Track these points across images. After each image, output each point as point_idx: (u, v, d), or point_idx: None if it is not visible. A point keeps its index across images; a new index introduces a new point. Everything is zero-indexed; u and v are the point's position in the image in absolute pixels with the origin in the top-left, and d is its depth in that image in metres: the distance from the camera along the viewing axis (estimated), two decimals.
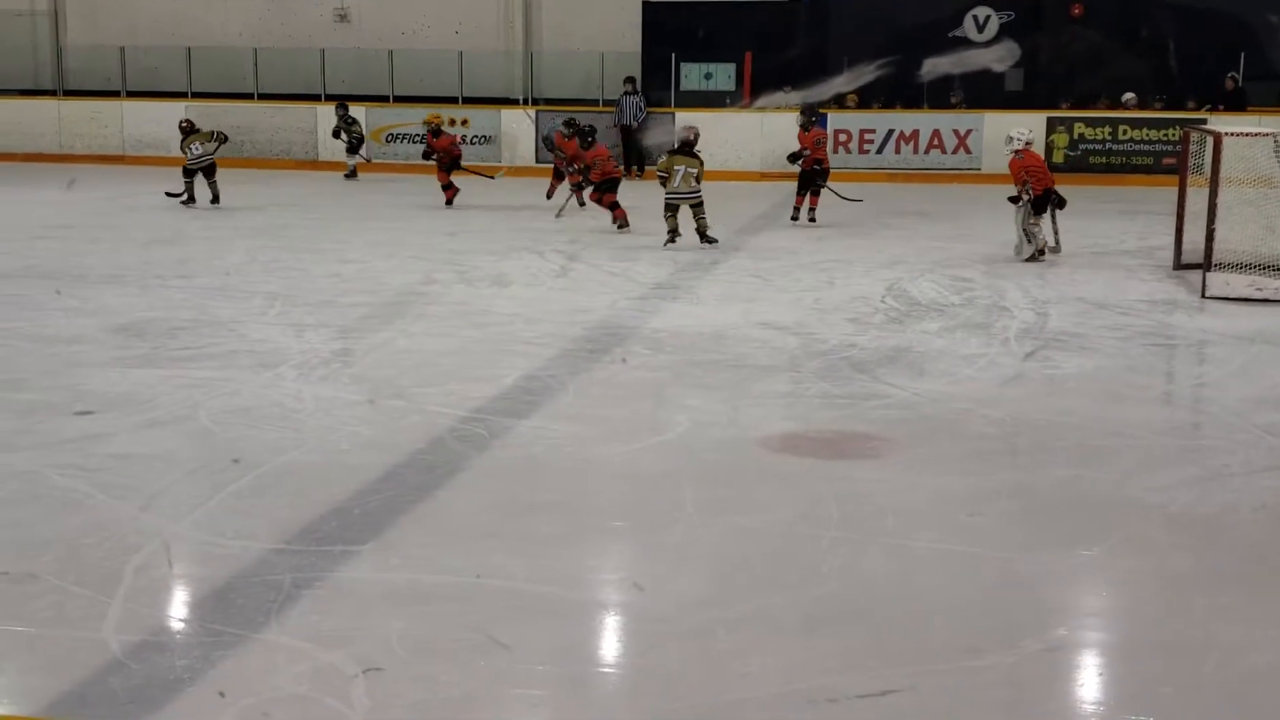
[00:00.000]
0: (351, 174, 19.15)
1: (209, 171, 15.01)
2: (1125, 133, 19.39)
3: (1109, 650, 3.98)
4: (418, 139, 19.92)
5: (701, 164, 12.65)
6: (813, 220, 14.16)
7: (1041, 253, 11.38)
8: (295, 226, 13.84)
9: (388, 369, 7.28)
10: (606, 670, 3.81)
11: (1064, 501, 5.22)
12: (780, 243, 12.95)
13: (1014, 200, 11.55)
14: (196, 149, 15.03)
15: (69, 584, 4.18)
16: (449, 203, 15.59)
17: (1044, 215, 11.47)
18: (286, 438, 5.89)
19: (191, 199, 14.98)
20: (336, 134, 19.60)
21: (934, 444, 5.96)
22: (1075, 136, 19.37)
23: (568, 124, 15.35)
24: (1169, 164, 16.81)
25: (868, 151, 19.98)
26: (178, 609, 4.12)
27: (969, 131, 19.64)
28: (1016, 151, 11.58)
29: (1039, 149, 19.22)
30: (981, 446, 5.98)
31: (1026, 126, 12.19)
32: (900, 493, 5.26)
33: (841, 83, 16.99)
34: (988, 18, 20.36)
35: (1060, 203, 11.55)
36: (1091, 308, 9.32)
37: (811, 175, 14.21)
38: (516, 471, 5.54)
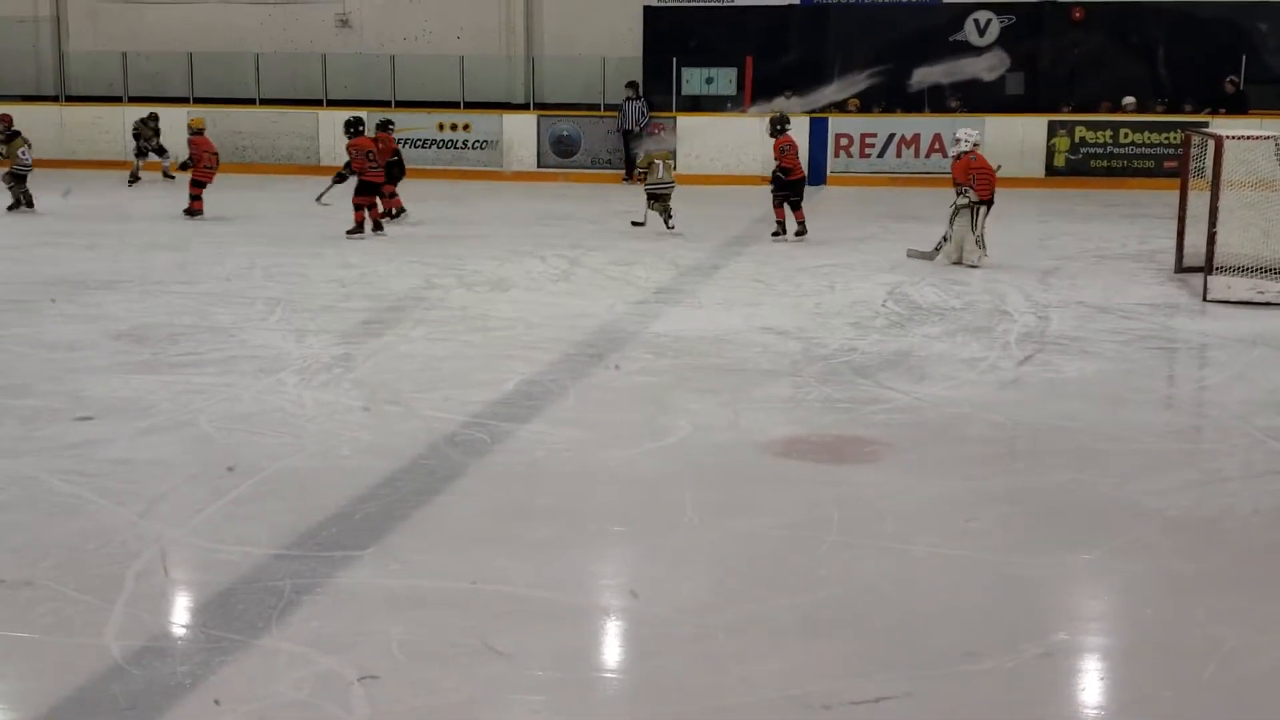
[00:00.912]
0: (135, 178, 18.58)
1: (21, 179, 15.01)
2: (1126, 136, 19.39)
3: (1109, 654, 3.98)
4: (421, 142, 19.90)
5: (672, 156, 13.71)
6: (800, 234, 13.21)
7: (969, 262, 11.25)
8: (296, 232, 13.84)
9: (388, 374, 7.28)
10: (607, 675, 3.81)
11: (1064, 505, 5.22)
12: (781, 247, 12.95)
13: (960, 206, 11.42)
14: (26, 155, 15.10)
15: (69, 590, 4.18)
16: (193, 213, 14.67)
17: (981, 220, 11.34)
18: (287, 443, 5.89)
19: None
20: (145, 153, 19.00)
21: (934, 448, 5.96)
22: (1076, 140, 19.38)
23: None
24: (1170, 167, 16.81)
25: (869, 155, 20.00)
26: (178, 615, 4.12)
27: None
28: (965, 153, 11.53)
29: (1039, 153, 19.33)
30: (982, 450, 5.98)
31: (974, 128, 12.05)
32: (900, 497, 5.27)
33: (834, 91, 16.94)
34: (989, 21, 20.38)
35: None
36: (1092, 311, 9.32)
37: (782, 186, 13.32)
38: (517, 477, 5.54)
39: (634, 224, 13.81)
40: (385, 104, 21.39)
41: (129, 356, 7.64)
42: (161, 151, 19.10)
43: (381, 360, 7.65)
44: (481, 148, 20.96)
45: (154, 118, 19.21)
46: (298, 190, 18.17)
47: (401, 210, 14.59)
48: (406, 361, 7.64)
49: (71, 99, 22.75)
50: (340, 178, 14.05)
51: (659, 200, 13.58)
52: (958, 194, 11.48)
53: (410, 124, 21.10)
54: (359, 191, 13.35)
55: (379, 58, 21.67)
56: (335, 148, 20.02)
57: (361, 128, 13.91)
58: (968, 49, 19.66)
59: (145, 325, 8.53)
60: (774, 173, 13.49)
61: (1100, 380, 7.33)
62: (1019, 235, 13.44)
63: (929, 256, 11.59)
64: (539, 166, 20.60)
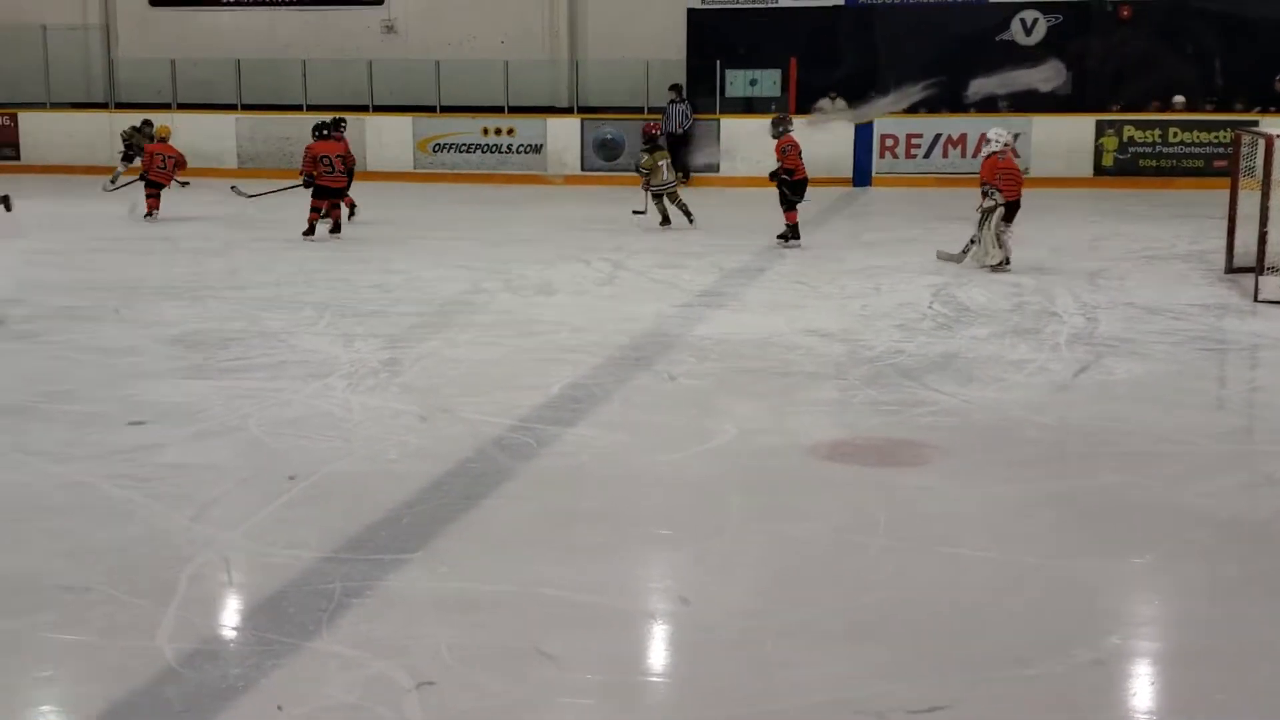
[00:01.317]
0: (114, 183, 18.32)
1: None
2: (1175, 135, 19.22)
3: (1161, 659, 3.94)
4: (466, 147, 20.00)
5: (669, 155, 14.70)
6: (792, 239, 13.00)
7: (1007, 263, 11.01)
8: (345, 237, 13.93)
9: (435, 379, 7.32)
10: (654, 679, 3.81)
11: (1115, 508, 5.18)
12: (826, 249, 12.92)
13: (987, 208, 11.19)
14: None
15: (123, 594, 4.23)
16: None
17: (1012, 222, 11.09)
18: (336, 447, 5.94)
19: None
20: (131, 157, 18.76)
21: (983, 451, 5.93)
22: (1125, 139, 19.22)
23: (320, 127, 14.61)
24: (1220, 167, 16.62)
25: (914, 156, 19.92)
26: (230, 618, 4.16)
27: (1017, 135, 19.42)
28: (995, 153, 11.28)
29: (1087, 153, 19.17)
30: (1031, 453, 5.93)
31: (1005, 127, 11.82)
32: (949, 500, 5.24)
33: (889, 103, 16.79)
34: (1035, 21, 20.24)
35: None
36: (1142, 312, 9.24)
37: (787, 188, 13.09)
38: (563, 480, 5.56)
39: (635, 212, 14.33)
40: (430, 109, 21.53)
41: (180, 362, 7.73)
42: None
43: (428, 365, 7.69)
44: (525, 152, 21.02)
45: (148, 124, 19.30)
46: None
47: (353, 208, 14.83)
48: (453, 366, 7.68)
49: (121, 106, 23.02)
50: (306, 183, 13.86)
51: (668, 199, 14.35)
52: (983, 195, 11.29)
53: (455, 129, 21.23)
54: (314, 194, 13.53)
55: (424, 63, 21.78)
56: (381, 153, 20.22)
57: (326, 131, 13.95)
58: (1012, 60, 19.52)
59: (196, 331, 8.62)
60: (778, 175, 13.14)
61: (1151, 382, 7.26)
62: (1067, 236, 13.35)
63: (957, 259, 11.42)
64: (583, 170, 20.64)
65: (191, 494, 5.25)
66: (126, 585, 4.29)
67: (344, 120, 15.32)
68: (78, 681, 3.70)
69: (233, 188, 15.12)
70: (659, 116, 20.53)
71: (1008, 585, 4.40)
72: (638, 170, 14.62)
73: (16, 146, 22.31)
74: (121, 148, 18.83)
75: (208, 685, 3.61)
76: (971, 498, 5.27)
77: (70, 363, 7.71)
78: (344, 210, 14.14)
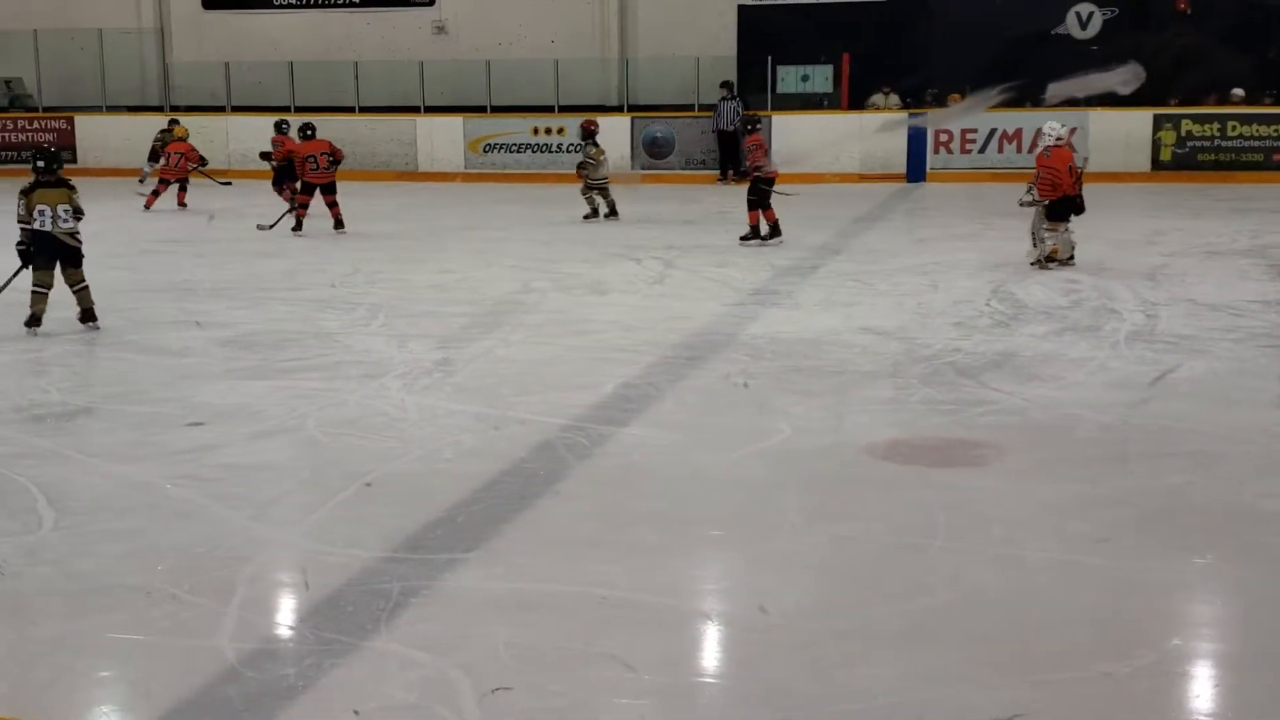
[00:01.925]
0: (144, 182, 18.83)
1: None
2: (1234, 129, 18.96)
3: (1224, 661, 3.88)
4: (516, 146, 20.04)
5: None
6: (766, 237, 12.86)
7: (1051, 260, 10.81)
8: (396, 237, 14.03)
9: (488, 379, 7.34)
10: (713, 680, 3.79)
11: (1177, 508, 5.11)
12: (881, 245, 12.85)
13: (1025, 202, 11.02)
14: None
15: (184, 593, 4.27)
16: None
17: (1063, 223, 10.86)
18: (392, 447, 5.96)
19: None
20: (158, 157, 19.17)
21: (1042, 450, 5.86)
22: (1183, 133, 19.00)
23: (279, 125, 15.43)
24: None
25: (969, 151, 19.78)
26: (289, 617, 4.18)
27: (1073, 130, 19.28)
28: (1050, 147, 11.03)
29: (1145, 147, 18.94)
30: (1092, 453, 5.86)
31: (1060, 121, 11.62)
32: (1008, 500, 5.19)
33: (963, 107, 16.63)
34: (1091, 14, 20.04)
35: (1076, 210, 10.92)
36: (1203, 309, 9.12)
37: (757, 186, 12.90)
38: (617, 480, 5.55)
39: (585, 218, 15.06)
40: (481, 109, 21.62)
41: (238, 363, 7.79)
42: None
43: (481, 365, 7.71)
44: (575, 151, 21.06)
45: (175, 123, 19.68)
46: (397, 196, 18.43)
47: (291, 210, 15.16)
48: (506, 365, 7.70)
49: (176, 109, 23.28)
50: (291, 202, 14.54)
51: (601, 193, 15.06)
52: (1028, 189, 11.05)
53: (505, 129, 21.30)
54: (303, 191, 14.24)
55: (474, 63, 21.88)
56: (433, 153, 20.34)
57: (311, 132, 14.46)
58: (1074, 46, 19.33)
59: (253, 332, 8.69)
60: (750, 173, 13.13)
61: (1212, 380, 7.16)
62: (1126, 231, 13.21)
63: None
64: (633, 168, 20.65)
65: (250, 494, 5.29)
66: (188, 585, 4.33)
67: (285, 122, 16.71)
68: (142, 680, 3.73)
69: (213, 215, 15.36)
70: (709, 114, 20.52)
71: (1068, 586, 4.34)
72: (579, 169, 15.27)
73: (74, 149, 22.62)
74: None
75: (268, 684, 3.64)
76: (1031, 498, 5.22)
77: (130, 365, 7.79)
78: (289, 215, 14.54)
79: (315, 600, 4.24)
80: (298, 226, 14.04)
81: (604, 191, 15.11)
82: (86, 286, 8.65)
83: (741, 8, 21.42)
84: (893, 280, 10.56)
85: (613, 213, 15.06)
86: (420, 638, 3.93)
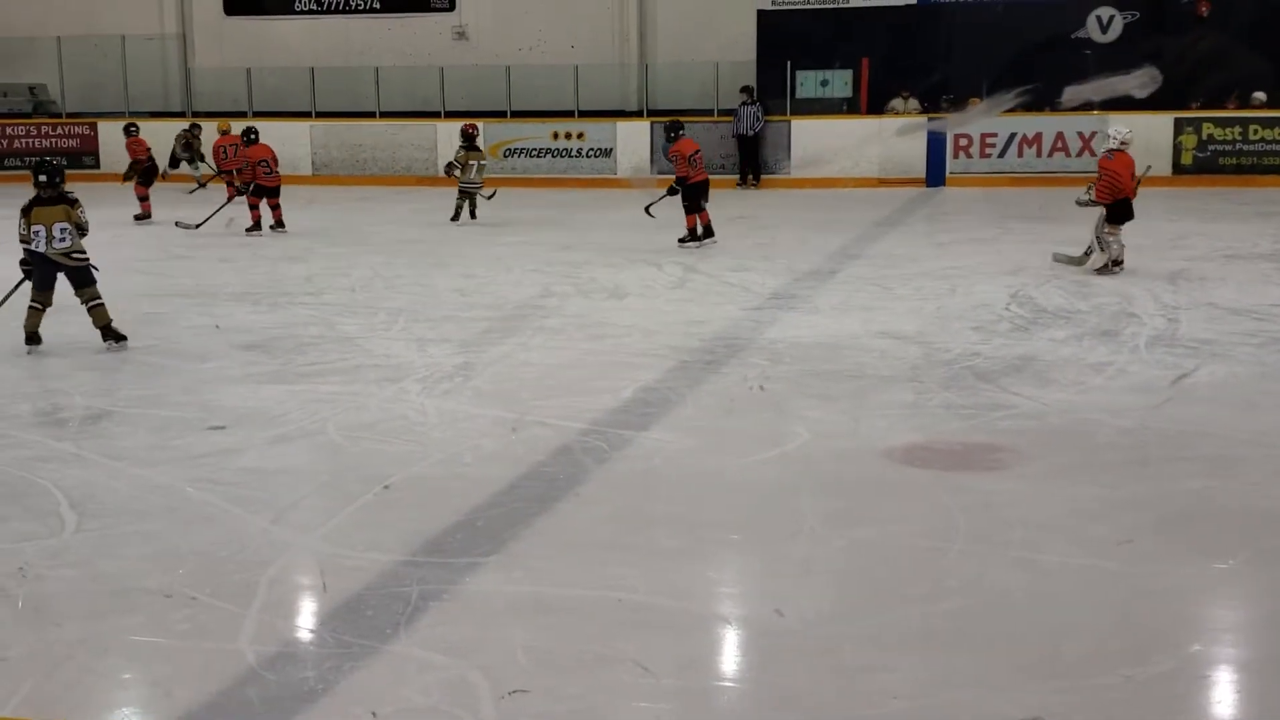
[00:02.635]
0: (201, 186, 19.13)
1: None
2: (1256, 132, 18.88)
3: (1245, 665, 3.87)
4: (536, 151, 20.09)
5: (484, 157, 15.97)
6: (698, 238, 13.23)
7: (1118, 264, 10.72)
8: (417, 242, 14.08)
9: (508, 383, 7.36)
10: (731, 685, 3.79)
11: (1197, 513, 5.09)
12: (900, 250, 12.84)
13: (1083, 202, 10.93)
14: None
15: (205, 596, 4.29)
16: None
17: (1120, 226, 10.78)
18: (412, 451, 5.98)
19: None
20: (177, 162, 19.90)
21: (1062, 455, 5.85)
22: (1204, 137, 18.91)
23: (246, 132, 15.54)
24: None
25: (989, 155, 19.73)
26: (309, 620, 4.20)
27: (1093, 134, 19.27)
28: (1112, 150, 10.96)
29: (1166, 151, 18.85)
30: (1111, 457, 5.84)
31: (1127, 125, 11.51)
32: (1028, 505, 5.17)
33: (981, 110, 16.60)
34: (1111, 18, 19.97)
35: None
36: (1224, 313, 9.08)
37: (688, 192, 13.31)
38: (636, 484, 5.56)
39: (451, 219, 15.58)
40: (501, 114, 21.67)
41: (258, 367, 7.83)
42: (198, 160, 19.92)
43: (501, 369, 7.73)
44: (595, 156, 21.09)
45: (197, 127, 19.93)
46: (418, 201, 18.49)
47: (146, 216, 15.80)
48: (526, 370, 7.71)
49: (198, 114, 23.39)
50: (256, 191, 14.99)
51: (467, 197, 15.55)
52: (1085, 190, 11.00)
53: (525, 133, 21.34)
54: (254, 193, 14.71)
55: (494, 68, 21.94)
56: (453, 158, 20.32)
57: (254, 136, 15.11)
58: (1095, 50, 19.26)
59: (274, 336, 8.73)
60: (674, 183, 13.54)
61: (1233, 384, 7.13)
62: (1147, 235, 13.12)
63: (1078, 262, 10.99)
64: (653, 173, 20.69)
65: (271, 498, 5.32)
66: (209, 588, 4.35)
67: (134, 125, 17.52)
68: (163, 683, 3.75)
69: (176, 223, 15.12)
70: (729, 118, 20.53)
71: (1088, 591, 4.34)
72: (449, 169, 15.85)
73: (96, 155, 22.77)
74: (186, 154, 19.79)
75: (288, 687, 3.66)
76: (1051, 502, 5.20)
77: (152, 368, 7.84)
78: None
79: (335, 603, 4.26)
80: (255, 227, 14.60)
81: (471, 197, 15.59)
82: (100, 304, 8.16)
83: (761, 12, 21.42)
84: (912, 284, 10.54)
85: (471, 215, 15.62)
86: (439, 641, 3.94)
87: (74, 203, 8.10)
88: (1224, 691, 3.74)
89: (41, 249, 7.95)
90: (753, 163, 20.45)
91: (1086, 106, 18.37)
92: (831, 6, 21.35)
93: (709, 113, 21.09)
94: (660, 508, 5.23)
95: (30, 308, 8.12)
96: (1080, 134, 19.27)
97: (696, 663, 3.86)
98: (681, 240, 13.20)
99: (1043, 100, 17.00)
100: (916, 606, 4.19)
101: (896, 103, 20.61)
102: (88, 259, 8.11)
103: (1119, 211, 10.80)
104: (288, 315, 9.59)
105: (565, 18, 22.73)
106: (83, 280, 8.11)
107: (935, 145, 19.51)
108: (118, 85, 23.34)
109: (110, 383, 7.56)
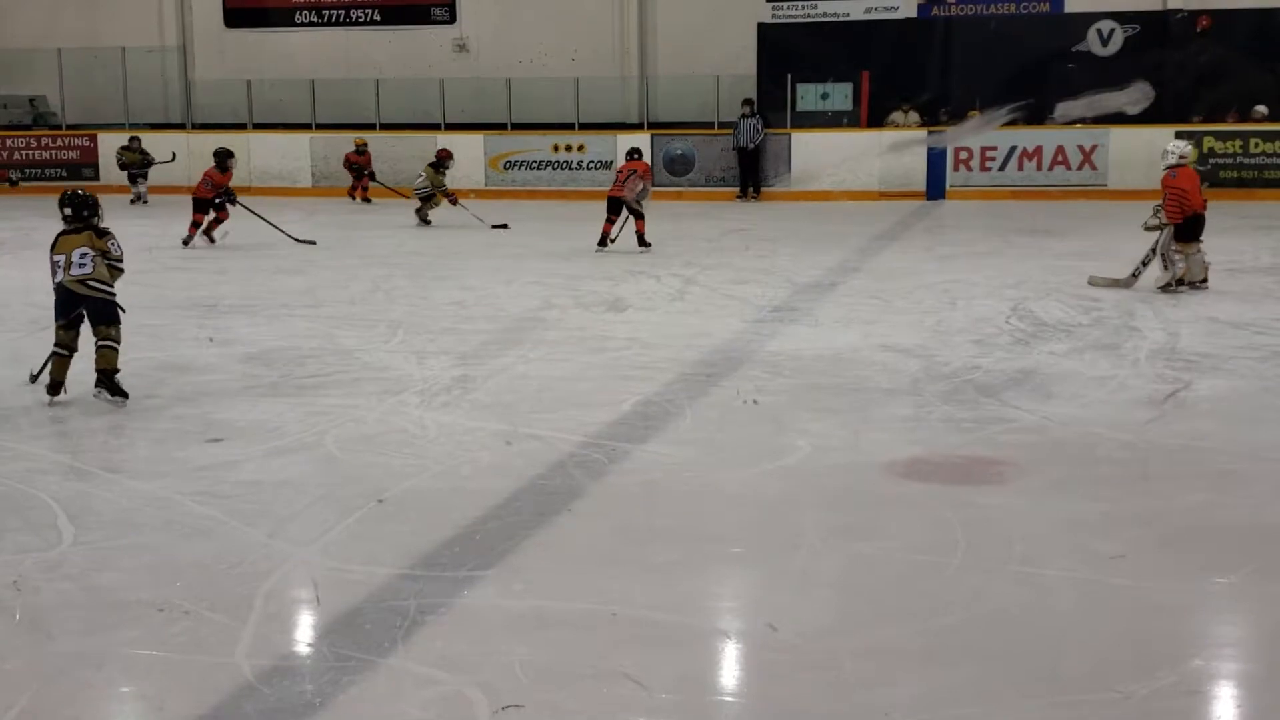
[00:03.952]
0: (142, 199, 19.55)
1: None
2: (1257, 146, 18.89)
3: (1247, 681, 3.85)
4: (536, 164, 20.14)
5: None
6: (641, 246, 13.94)
7: (1181, 282, 10.51)
8: (417, 254, 14.07)
9: (507, 395, 7.34)
10: (730, 699, 3.77)
11: (1198, 527, 5.08)
12: (900, 263, 12.83)
13: (1150, 226, 10.72)
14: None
15: (202, 609, 4.27)
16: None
17: (1193, 243, 10.54)
18: (410, 464, 5.97)
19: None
20: (125, 166, 19.97)
21: (1063, 469, 5.83)
22: (1205, 150, 18.90)
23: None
24: None
25: (989, 169, 19.74)
26: (307, 634, 4.18)
27: (1094, 147, 19.30)
28: (1170, 167, 10.69)
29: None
30: (1112, 472, 5.83)
31: (1184, 140, 11.19)
32: (1029, 519, 5.16)
33: (975, 125, 16.62)
34: (1112, 31, 20.00)
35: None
36: (1225, 327, 9.07)
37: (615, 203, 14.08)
38: (636, 497, 5.54)
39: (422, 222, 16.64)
40: (501, 126, 21.69)
41: (257, 380, 7.81)
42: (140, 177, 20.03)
43: (500, 381, 7.71)
44: (596, 168, 21.10)
45: (136, 139, 20.28)
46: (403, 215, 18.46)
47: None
48: (525, 382, 7.69)
49: (198, 126, 23.42)
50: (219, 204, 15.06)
51: (425, 202, 16.55)
52: (1153, 212, 10.73)
53: (526, 146, 21.36)
54: (197, 209, 14.85)
55: (495, 81, 21.96)
56: (453, 170, 20.26)
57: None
58: (1095, 64, 19.27)
59: (273, 348, 8.71)
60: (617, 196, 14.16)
61: (1234, 398, 7.12)
62: (1146, 249, 13.13)
63: (1125, 284, 10.70)
64: (653, 185, 20.71)
65: (268, 511, 5.30)
66: (206, 601, 4.33)
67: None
68: (160, 697, 3.73)
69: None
70: (729, 131, 20.56)
71: (1089, 606, 4.32)
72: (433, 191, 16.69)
73: (96, 167, 22.80)
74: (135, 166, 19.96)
75: (285, 701, 3.64)
76: (1052, 517, 5.18)
77: (151, 380, 7.81)
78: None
79: (333, 617, 4.24)
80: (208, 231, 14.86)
81: (426, 201, 16.79)
82: (111, 348, 7.09)
83: (761, 25, 21.46)
84: (912, 298, 10.53)
85: (424, 218, 16.72)
86: (437, 655, 3.92)
87: (103, 233, 7.22)
88: (1225, 707, 3.72)
89: (59, 278, 7.09)
90: (753, 175, 20.46)
91: (1080, 122, 18.40)
92: (832, 20, 21.39)
93: (709, 125, 21.11)
94: (659, 521, 5.22)
95: (53, 353, 7.17)
96: (1080, 147, 19.28)
97: (695, 677, 3.84)
98: (599, 245, 13.96)
99: (1040, 113, 17.06)
100: (916, 621, 4.17)
101: (896, 115, 20.63)
102: (111, 292, 7.16)
103: (1188, 228, 10.56)
104: (287, 327, 9.58)
105: (566, 30, 22.76)
106: (101, 315, 7.09)
107: (935, 158, 19.52)
108: (118, 97, 23.36)
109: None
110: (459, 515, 5.20)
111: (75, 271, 7.05)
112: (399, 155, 21.72)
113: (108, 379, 7.08)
